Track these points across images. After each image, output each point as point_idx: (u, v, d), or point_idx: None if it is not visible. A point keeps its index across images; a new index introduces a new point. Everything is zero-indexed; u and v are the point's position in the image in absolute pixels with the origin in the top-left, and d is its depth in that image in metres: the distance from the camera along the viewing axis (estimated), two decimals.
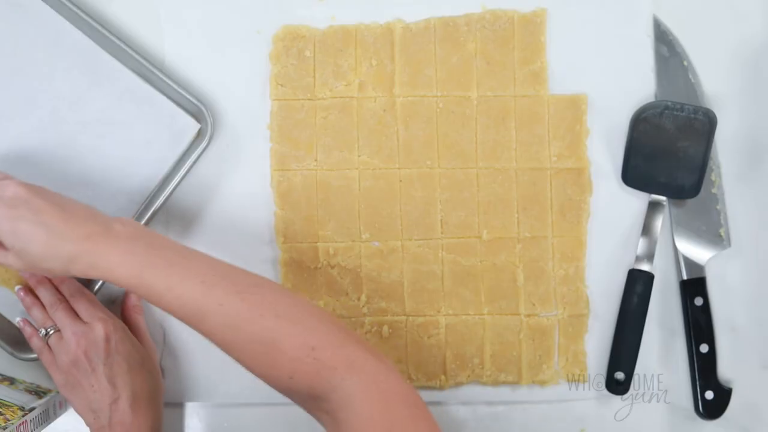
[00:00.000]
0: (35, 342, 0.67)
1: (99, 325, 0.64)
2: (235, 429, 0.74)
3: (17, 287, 0.67)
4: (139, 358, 0.66)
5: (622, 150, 0.74)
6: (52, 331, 0.65)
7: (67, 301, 0.67)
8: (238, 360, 0.58)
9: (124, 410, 0.64)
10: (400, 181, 0.74)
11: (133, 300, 0.71)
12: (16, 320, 0.68)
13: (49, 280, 0.67)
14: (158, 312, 0.73)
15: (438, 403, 0.74)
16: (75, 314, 0.66)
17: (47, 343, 0.66)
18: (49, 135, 0.70)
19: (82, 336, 0.64)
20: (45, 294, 0.67)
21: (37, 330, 0.67)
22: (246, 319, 0.56)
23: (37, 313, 0.66)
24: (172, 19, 0.74)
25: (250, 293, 0.57)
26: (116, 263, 0.57)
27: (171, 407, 0.73)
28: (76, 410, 0.65)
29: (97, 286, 0.70)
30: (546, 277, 0.74)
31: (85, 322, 0.65)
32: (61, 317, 0.65)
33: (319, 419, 0.57)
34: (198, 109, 0.71)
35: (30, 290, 0.67)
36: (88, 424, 0.65)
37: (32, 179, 0.70)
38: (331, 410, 0.54)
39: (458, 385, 0.74)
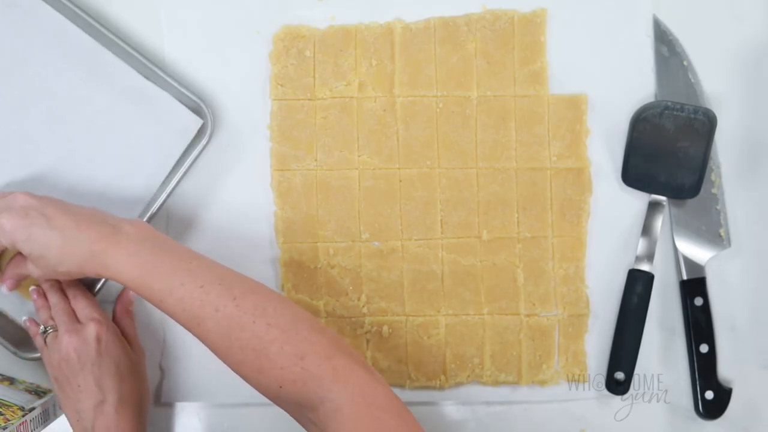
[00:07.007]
0: (38, 340, 0.67)
1: (92, 325, 0.65)
2: (235, 429, 0.74)
3: (31, 288, 0.68)
4: (128, 363, 0.66)
5: (622, 150, 0.74)
6: (50, 330, 0.66)
7: (68, 302, 0.67)
8: (231, 366, 0.58)
9: (108, 414, 0.63)
10: (400, 181, 0.74)
11: (124, 305, 0.71)
12: (22, 319, 0.69)
13: (59, 284, 0.68)
14: (159, 312, 0.72)
15: (438, 403, 0.74)
16: (73, 314, 0.66)
17: (45, 341, 0.66)
18: (47, 135, 0.70)
19: (74, 334, 0.64)
20: (52, 297, 0.67)
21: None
22: (239, 325, 0.57)
23: (43, 314, 0.67)
24: (172, 19, 0.74)
25: (245, 299, 0.58)
26: (123, 264, 0.59)
27: (171, 407, 0.73)
28: (63, 409, 0.66)
29: (98, 286, 0.70)
30: (546, 277, 0.74)
31: (80, 322, 0.66)
32: (59, 316, 0.66)
33: (309, 431, 0.57)
34: (198, 107, 0.71)
35: (42, 293, 0.68)
36: (72, 425, 0.65)
37: (29, 179, 0.70)
38: (319, 422, 0.54)
39: (458, 385, 0.74)
